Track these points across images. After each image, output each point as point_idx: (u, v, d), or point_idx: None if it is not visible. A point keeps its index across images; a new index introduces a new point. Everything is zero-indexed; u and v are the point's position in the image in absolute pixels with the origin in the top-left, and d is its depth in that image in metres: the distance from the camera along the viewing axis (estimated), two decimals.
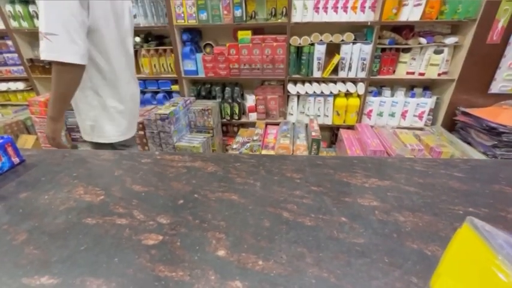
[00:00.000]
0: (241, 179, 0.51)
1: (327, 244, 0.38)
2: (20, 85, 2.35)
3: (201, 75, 2.09)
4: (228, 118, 2.19)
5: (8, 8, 2.03)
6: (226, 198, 0.47)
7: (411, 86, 2.04)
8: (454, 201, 0.45)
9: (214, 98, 2.18)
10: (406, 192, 0.48)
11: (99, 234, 0.40)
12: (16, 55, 2.20)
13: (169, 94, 2.25)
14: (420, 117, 1.97)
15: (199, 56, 2.03)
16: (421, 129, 1.98)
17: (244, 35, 1.89)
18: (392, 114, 2.01)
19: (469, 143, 1.76)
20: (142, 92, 2.25)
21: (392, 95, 2.00)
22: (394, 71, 1.97)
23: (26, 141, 2.15)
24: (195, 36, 2.08)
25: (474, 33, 1.66)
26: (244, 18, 1.84)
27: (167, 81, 2.17)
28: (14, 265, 0.36)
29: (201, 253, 0.37)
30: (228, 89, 2.12)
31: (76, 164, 0.58)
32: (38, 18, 2.06)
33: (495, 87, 1.78)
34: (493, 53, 1.70)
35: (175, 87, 2.18)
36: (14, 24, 2.09)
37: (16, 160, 0.58)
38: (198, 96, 2.19)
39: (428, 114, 1.98)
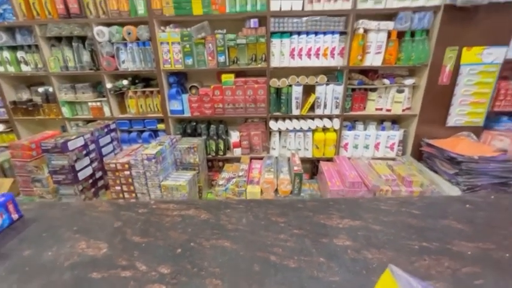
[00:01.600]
0: (231, 225, 0.58)
1: (309, 284, 0.44)
2: (0, 127, 2.31)
3: (187, 114, 2.19)
4: (214, 154, 2.26)
5: None
6: (220, 245, 0.53)
7: (381, 120, 2.25)
8: (412, 237, 0.54)
9: (199, 135, 2.27)
10: (373, 231, 0.56)
11: None
12: None
13: (155, 132, 2.31)
14: (391, 148, 2.16)
15: (185, 96, 2.14)
16: (393, 159, 2.15)
17: (228, 78, 2.04)
18: (366, 146, 2.18)
19: (435, 171, 1.94)
20: (128, 132, 2.29)
21: (365, 129, 2.18)
22: (364, 107, 2.18)
23: (2, 185, 2.06)
24: (180, 78, 2.21)
25: (428, 76, 1.92)
26: (227, 63, 2.01)
27: (153, 121, 2.24)
28: None
29: None
30: (213, 127, 2.22)
31: (75, 217, 0.62)
32: (25, 63, 2.12)
33: (451, 121, 2.02)
34: (445, 92, 1.95)
35: (161, 126, 2.25)
36: (0, 69, 2.12)
37: (15, 216, 0.61)
38: (184, 133, 2.26)
39: (398, 145, 2.17)
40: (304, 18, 1.85)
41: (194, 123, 2.30)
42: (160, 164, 1.79)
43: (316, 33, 1.90)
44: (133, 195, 1.86)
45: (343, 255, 0.50)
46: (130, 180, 1.82)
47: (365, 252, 0.51)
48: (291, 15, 1.86)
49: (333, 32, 1.89)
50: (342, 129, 2.15)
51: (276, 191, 1.81)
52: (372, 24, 1.85)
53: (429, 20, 1.82)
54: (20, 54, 2.10)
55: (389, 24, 1.85)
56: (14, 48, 2.10)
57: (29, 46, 2.08)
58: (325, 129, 2.18)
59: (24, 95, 2.28)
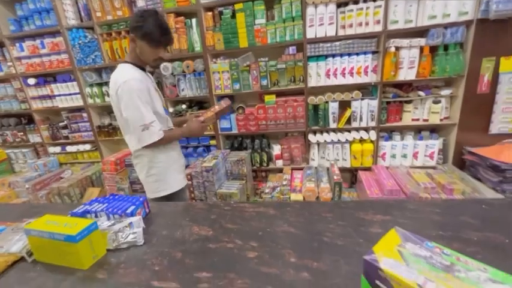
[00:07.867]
0: (293, 219, 0.81)
1: (351, 254, 0.65)
2: (87, 146, 2.88)
3: (234, 131, 2.51)
4: (258, 165, 2.53)
5: (87, 89, 2.65)
6: (288, 230, 0.76)
7: (418, 129, 2.31)
8: (430, 228, 0.71)
9: (245, 148, 2.56)
10: (399, 223, 0.75)
11: (221, 253, 0.70)
12: (88, 123, 2.78)
13: (207, 148, 2.67)
14: (431, 157, 2.21)
15: (233, 116, 2.47)
16: (433, 167, 2.20)
17: (270, 98, 2.32)
18: (404, 156, 2.26)
19: (479, 179, 1.95)
20: (185, 147, 2.69)
21: (402, 139, 2.27)
22: (400, 119, 2.28)
23: (92, 193, 2.58)
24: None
25: (465, 86, 1.97)
26: (269, 86, 2.30)
27: (206, 138, 2.60)
28: (182, 266, 0.66)
29: (275, 264, 0.66)
30: (257, 141, 2.50)
31: (184, 212, 0.91)
32: (108, 95, 2.66)
33: (494, 128, 2.02)
34: (485, 100, 1.98)
35: (213, 142, 2.60)
36: (90, 101, 2.69)
37: (147, 211, 0.92)
38: (232, 147, 2.58)
39: (439, 154, 2.21)
40: (338, 42, 2.07)
41: (240, 139, 2.61)
42: (216, 175, 2.11)
43: (349, 54, 2.10)
44: (194, 201, 2.20)
45: (376, 238, 0.70)
46: (191, 189, 2.16)
47: None
48: (325, 41, 2.09)
49: (365, 52, 2.07)
50: (379, 140, 2.27)
51: (317, 198, 2.00)
52: (404, 42, 1.99)
53: (462, 33, 1.89)
54: (105, 88, 2.64)
55: (421, 41, 1.97)
56: (100, 85, 2.66)
57: None
58: (362, 141, 2.32)
59: (106, 121, 2.83)
